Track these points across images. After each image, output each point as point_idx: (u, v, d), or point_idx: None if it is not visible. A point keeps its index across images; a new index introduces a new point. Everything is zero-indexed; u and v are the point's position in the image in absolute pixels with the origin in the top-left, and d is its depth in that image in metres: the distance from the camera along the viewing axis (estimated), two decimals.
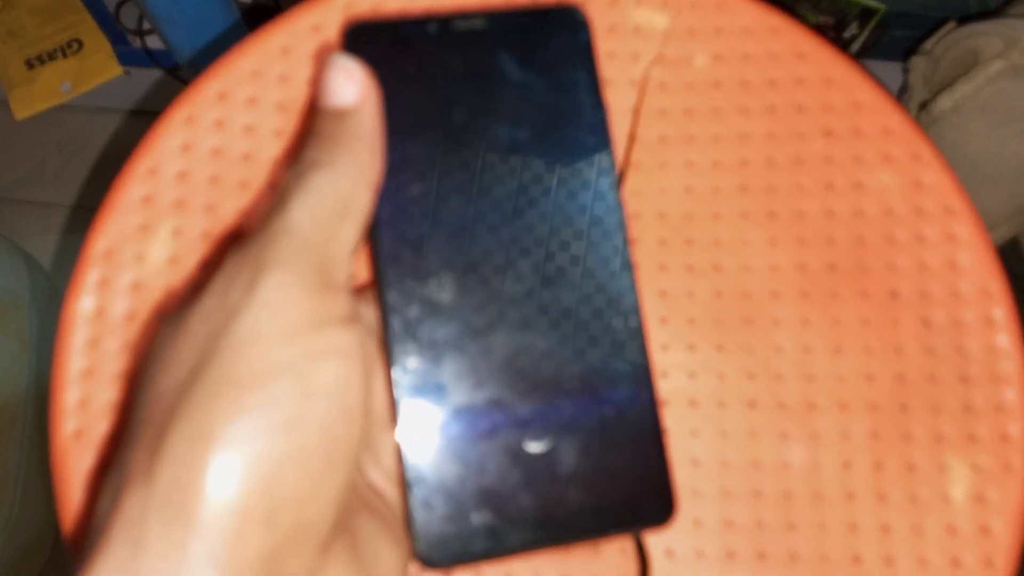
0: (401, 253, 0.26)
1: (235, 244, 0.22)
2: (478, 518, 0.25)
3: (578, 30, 0.28)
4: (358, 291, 0.27)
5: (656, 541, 0.29)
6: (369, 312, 0.27)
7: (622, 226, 0.27)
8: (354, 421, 0.21)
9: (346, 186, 0.22)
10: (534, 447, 0.25)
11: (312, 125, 0.24)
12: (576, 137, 0.27)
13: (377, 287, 0.26)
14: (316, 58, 0.32)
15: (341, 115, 0.23)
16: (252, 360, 0.19)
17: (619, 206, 0.27)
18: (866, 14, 0.84)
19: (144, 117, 0.89)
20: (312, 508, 0.20)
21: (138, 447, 0.19)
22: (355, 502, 0.23)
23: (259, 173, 0.31)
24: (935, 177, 0.32)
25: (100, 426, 0.29)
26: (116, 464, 0.20)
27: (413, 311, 0.25)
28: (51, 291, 0.76)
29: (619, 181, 0.28)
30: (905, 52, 0.86)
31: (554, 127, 0.27)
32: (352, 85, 0.24)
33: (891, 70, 0.91)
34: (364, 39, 0.27)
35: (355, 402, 0.21)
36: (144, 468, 0.19)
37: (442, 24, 0.27)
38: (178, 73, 0.89)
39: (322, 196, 0.22)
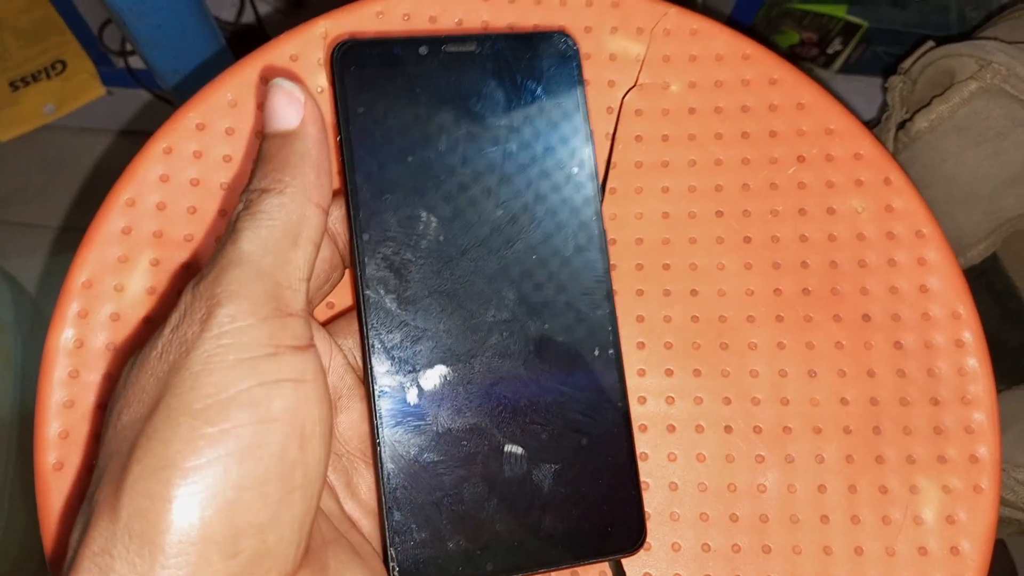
0: (385, 277, 0.26)
1: (192, 278, 0.22)
2: (454, 543, 0.25)
3: (567, 56, 0.28)
4: (339, 321, 0.28)
5: (634, 565, 0.29)
6: (349, 344, 0.27)
7: (605, 255, 0.27)
8: (311, 446, 0.21)
9: (294, 210, 0.22)
10: (511, 472, 0.26)
11: (259, 150, 0.24)
12: (564, 163, 0.28)
13: (359, 311, 0.26)
14: (261, 82, 0.32)
15: (285, 138, 0.23)
16: (208, 391, 0.20)
17: (602, 235, 0.27)
18: (849, 30, 0.85)
19: (127, 137, 0.89)
20: (273, 534, 0.20)
21: (104, 481, 0.20)
22: (329, 533, 0.23)
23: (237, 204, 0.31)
24: (905, 202, 0.32)
25: (81, 457, 0.29)
26: (87, 498, 0.20)
27: (395, 336, 0.25)
28: (34, 312, 0.75)
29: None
30: (887, 68, 0.87)
31: (542, 151, 0.27)
32: (294, 108, 0.24)
33: (875, 86, 0.92)
34: (353, 57, 0.27)
35: (312, 427, 0.21)
36: (110, 500, 0.19)
37: (433, 45, 0.27)
38: (161, 93, 0.89)
39: (271, 223, 0.22)
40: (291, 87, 0.24)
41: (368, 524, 0.25)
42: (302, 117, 0.24)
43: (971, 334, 0.31)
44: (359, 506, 0.25)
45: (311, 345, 0.22)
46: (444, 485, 0.25)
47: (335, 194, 0.26)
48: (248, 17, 0.90)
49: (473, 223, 0.26)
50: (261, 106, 0.32)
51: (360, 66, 0.26)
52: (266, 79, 0.32)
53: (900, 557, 0.29)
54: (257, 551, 0.20)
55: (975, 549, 0.29)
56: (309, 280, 0.23)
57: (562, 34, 0.28)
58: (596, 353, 0.27)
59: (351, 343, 0.27)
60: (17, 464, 0.68)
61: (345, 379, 0.25)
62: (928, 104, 0.53)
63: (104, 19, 0.89)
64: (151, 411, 0.20)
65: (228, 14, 0.90)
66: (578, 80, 0.28)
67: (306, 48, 0.33)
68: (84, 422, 0.29)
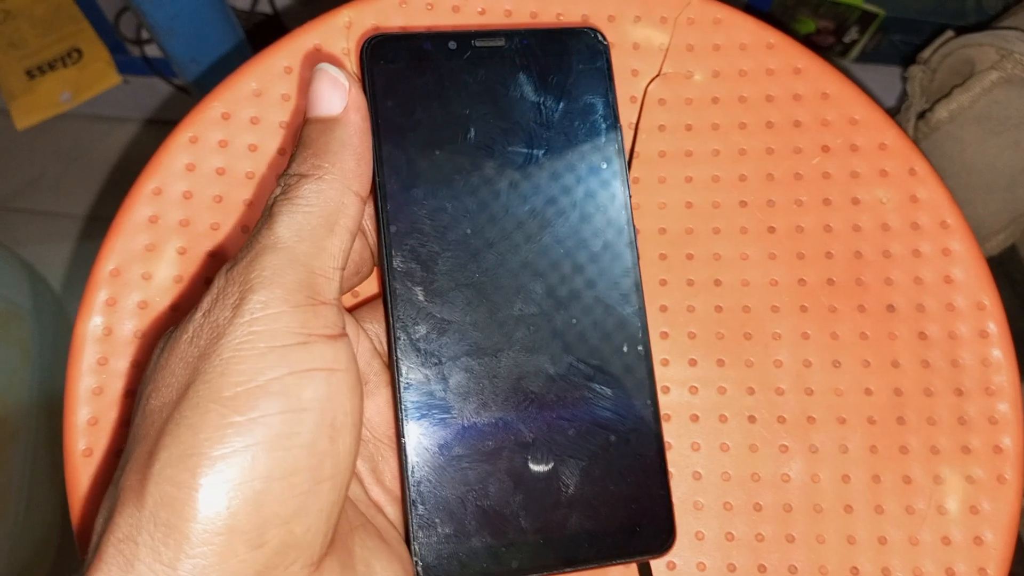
0: (412, 270, 0.26)
1: (219, 266, 0.22)
2: (478, 539, 0.25)
3: (597, 51, 0.28)
4: (365, 307, 0.28)
5: None
6: (375, 329, 0.27)
7: (634, 250, 0.27)
8: (341, 437, 0.21)
9: (332, 197, 0.22)
10: (537, 469, 0.25)
11: (300, 135, 0.24)
12: (592, 159, 0.27)
13: (386, 303, 0.26)
14: (304, 66, 0.32)
15: (328, 124, 0.23)
16: (238, 379, 0.19)
17: (631, 230, 0.27)
18: (866, 18, 0.85)
19: (144, 125, 0.89)
20: (300, 525, 0.20)
21: (131, 467, 0.20)
22: (354, 519, 0.23)
23: (263, 192, 0.31)
24: (929, 192, 0.32)
25: (109, 443, 0.29)
26: (113, 482, 0.20)
27: (421, 328, 0.25)
28: (53, 300, 0.76)
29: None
30: (904, 57, 0.86)
31: (570, 147, 0.27)
32: (338, 94, 0.23)
33: (892, 75, 0.91)
34: (383, 51, 0.26)
35: (343, 417, 0.21)
36: (136, 487, 0.19)
37: (462, 40, 0.27)
38: (177, 82, 0.89)
39: (308, 209, 0.22)
40: (336, 72, 0.24)
41: (393, 510, 0.25)
42: (346, 104, 0.23)
43: (995, 325, 0.31)
44: (384, 492, 0.25)
45: (343, 334, 0.22)
46: (469, 480, 0.25)
47: None
48: (264, 7, 0.90)
49: (500, 217, 0.26)
50: (302, 91, 0.32)
51: (390, 60, 0.26)
52: (310, 64, 0.32)
53: (924, 546, 0.29)
54: (283, 542, 0.19)
55: (999, 539, 0.29)
56: (343, 269, 0.23)
57: (592, 30, 0.28)
58: (625, 349, 0.27)
59: (376, 328, 0.27)
60: (36, 455, 0.68)
61: (372, 365, 0.25)
62: (948, 94, 0.53)
63: (120, 7, 0.89)
64: (180, 397, 0.20)
65: (243, 2, 0.90)
66: (608, 75, 0.28)
67: (330, 37, 0.33)
68: (112, 409, 0.29)
